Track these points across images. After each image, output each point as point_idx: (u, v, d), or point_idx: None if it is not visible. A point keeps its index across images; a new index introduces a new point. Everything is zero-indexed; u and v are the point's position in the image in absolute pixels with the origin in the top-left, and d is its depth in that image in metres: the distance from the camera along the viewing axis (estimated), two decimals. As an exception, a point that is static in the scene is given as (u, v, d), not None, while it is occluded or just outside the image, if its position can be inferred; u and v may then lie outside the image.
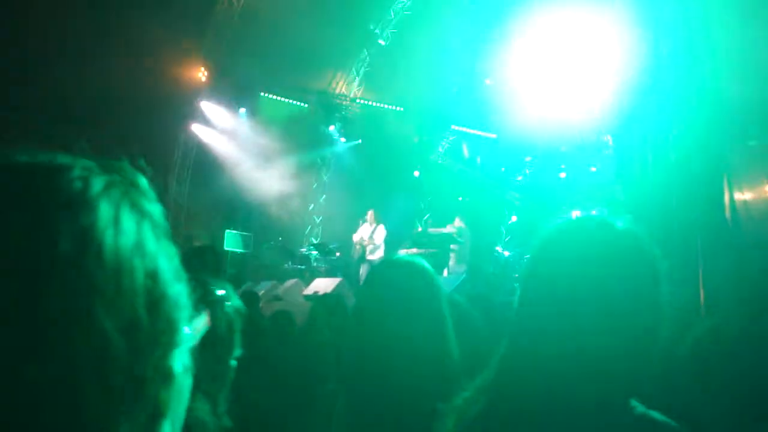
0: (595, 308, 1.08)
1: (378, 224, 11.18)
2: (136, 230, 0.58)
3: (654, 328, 1.11)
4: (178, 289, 0.61)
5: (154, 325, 0.57)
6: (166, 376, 0.59)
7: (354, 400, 1.64)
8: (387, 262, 2.17)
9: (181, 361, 0.61)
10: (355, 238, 11.32)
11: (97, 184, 0.58)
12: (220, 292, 1.78)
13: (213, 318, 1.56)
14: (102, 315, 0.53)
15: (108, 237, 0.55)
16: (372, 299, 1.77)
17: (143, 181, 0.63)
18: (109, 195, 0.57)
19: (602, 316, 1.07)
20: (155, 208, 0.62)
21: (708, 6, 6.32)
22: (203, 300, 1.62)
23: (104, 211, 0.56)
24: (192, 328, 0.63)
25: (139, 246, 0.58)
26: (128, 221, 0.58)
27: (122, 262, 0.55)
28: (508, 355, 1.17)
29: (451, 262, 10.89)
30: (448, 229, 11.22)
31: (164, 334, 0.59)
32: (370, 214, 11.30)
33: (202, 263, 4.08)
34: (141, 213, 0.59)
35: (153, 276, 0.58)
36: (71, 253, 0.52)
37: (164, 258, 0.60)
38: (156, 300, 0.58)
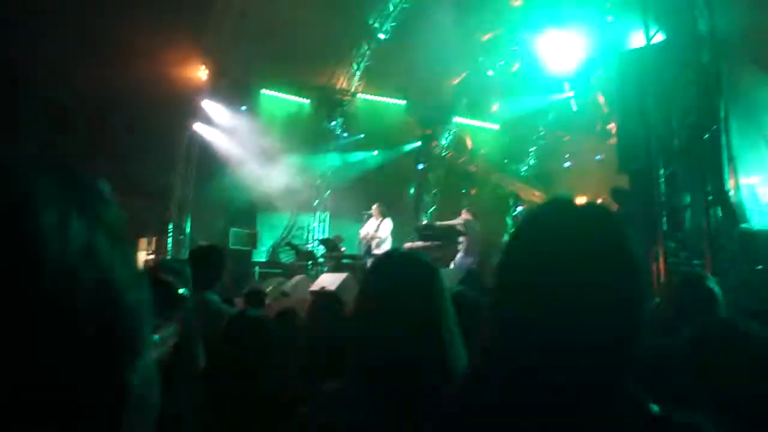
0: (574, 289, 1.05)
1: (383, 218, 11.13)
2: (86, 236, 0.54)
3: (635, 306, 1.08)
4: (135, 297, 0.57)
5: (105, 337, 0.53)
6: (122, 392, 0.54)
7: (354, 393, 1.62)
8: (384, 255, 2.14)
9: (141, 374, 0.57)
10: (362, 232, 11.29)
11: (42, 185, 0.53)
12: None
13: (182, 327, 1.51)
14: (43, 328, 0.49)
15: (52, 244, 0.51)
16: (368, 293, 1.76)
17: (99, 184, 0.59)
18: (55, 198, 0.53)
19: (581, 296, 1.04)
20: (111, 213, 0.58)
21: None
22: (170, 306, 1.57)
23: (48, 215, 0.51)
24: (160, 338, 0.59)
25: (89, 253, 0.53)
26: (77, 227, 0.53)
27: (67, 270, 0.51)
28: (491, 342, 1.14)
29: (458, 255, 10.84)
30: (455, 221, 11.17)
31: (117, 346, 0.54)
32: (374, 208, 11.25)
33: (207, 263, 4.06)
34: (94, 218, 0.55)
35: (105, 284, 0.54)
36: (7, 261, 0.48)
37: (120, 265, 0.56)
38: (107, 310, 0.54)
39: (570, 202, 1.21)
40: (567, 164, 16.41)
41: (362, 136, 15.14)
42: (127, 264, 0.57)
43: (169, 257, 13.68)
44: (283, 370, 2.84)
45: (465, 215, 11.26)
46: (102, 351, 0.52)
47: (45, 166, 0.55)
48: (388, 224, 11.06)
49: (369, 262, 10.84)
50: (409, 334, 1.57)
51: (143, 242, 14.39)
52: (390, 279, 1.72)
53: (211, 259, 4.10)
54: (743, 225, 6.94)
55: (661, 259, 7.03)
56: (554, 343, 1.02)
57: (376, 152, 15.56)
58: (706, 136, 6.40)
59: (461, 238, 10.83)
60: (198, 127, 13.84)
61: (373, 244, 10.96)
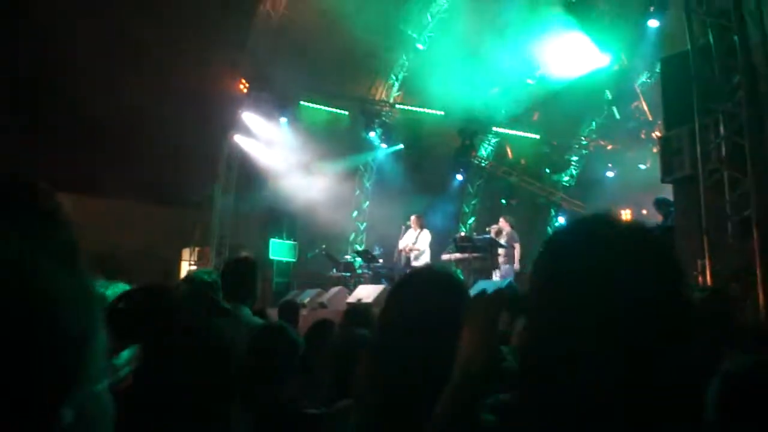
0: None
1: (422, 230, 11.07)
2: (22, 256, 0.50)
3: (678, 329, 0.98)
4: (79, 322, 0.52)
5: (27, 372, 0.48)
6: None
7: (363, 413, 1.56)
8: (413, 272, 2.08)
9: (80, 406, 0.51)
10: (400, 244, 11.25)
11: None
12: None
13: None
14: None
15: None
16: (392, 309, 1.70)
17: (47, 204, 0.56)
18: None
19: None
20: (58, 232, 0.54)
21: None
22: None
23: None
24: (118, 362, 0.55)
25: (22, 276, 0.49)
26: (12, 245, 0.50)
27: None
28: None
29: (499, 267, 10.71)
30: (493, 231, 11.05)
31: (42, 383, 0.49)
32: (413, 219, 11.20)
33: (239, 276, 4.05)
34: (34, 236, 0.51)
35: (38, 310, 0.50)
36: None
37: (64, 289, 0.52)
38: (37, 339, 0.49)
39: (605, 219, 1.11)
40: (610, 173, 16.06)
41: (401, 146, 15.13)
42: (74, 288, 0.53)
43: (211, 268, 13.91)
44: (306, 382, 2.80)
45: (504, 224, 11.12)
46: (20, 389, 0.48)
47: None
48: (426, 236, 11.00)
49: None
50: (427, 352, 1.51)
51: (186, 252, 14.67)
52: (413, 297, 1.67)
53: (243, 272, 4.08)
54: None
55: (707, 273, 6.76)
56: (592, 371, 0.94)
57: (414, 162, 15.49)
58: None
59: (501, 250, 10.69)
60: (238, 139, 14.06)
61: (412, 256, 10.92)
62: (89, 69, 10.54)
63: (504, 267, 10.73)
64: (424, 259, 10.78)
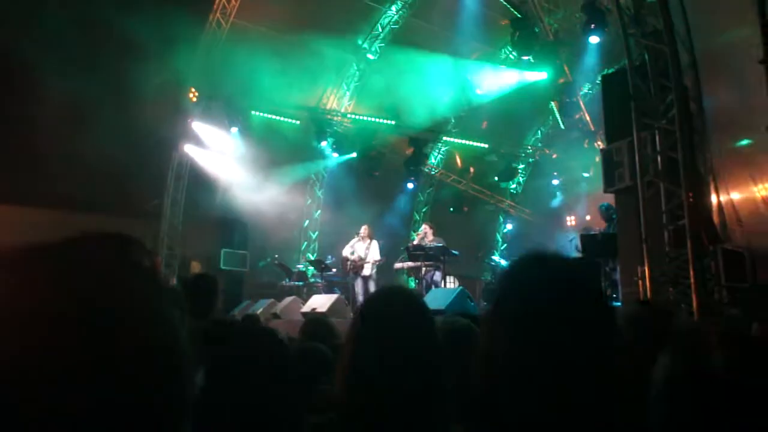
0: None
1: (371, 240, 11.22)
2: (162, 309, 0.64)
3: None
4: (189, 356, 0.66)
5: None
6: None
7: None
8: (376, 294, 2.20)
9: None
10: (345, 252, 11.33)
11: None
12: None
13: None
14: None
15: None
16: (364, 334, 1.81)
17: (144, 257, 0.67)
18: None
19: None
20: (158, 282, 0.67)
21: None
22: None
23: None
24: None
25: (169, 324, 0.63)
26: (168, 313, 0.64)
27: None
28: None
29: (436, 273, 10.92)
30: (418, 237, 11.32)
31: (177, 407, 0.63)
32: (364, 229, 11.33)
33: (199, 293, 4.11)
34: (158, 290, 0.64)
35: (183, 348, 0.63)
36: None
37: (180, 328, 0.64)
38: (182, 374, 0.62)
39: (535, 261, 1.28)
40: (555, 181, 16.58)
41: (354, 155, 15.22)
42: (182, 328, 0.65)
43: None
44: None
45: (426, 229, 11.33)
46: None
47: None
48: (376, 247, 11.17)
49: (357, 284, 10.99)
50: (400, 372, 1.63)
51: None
52: (381, 318, 1.78)
53: (204, 289, 4.16)
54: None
55: (647, 278, 7.13)
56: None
57: (366, 171, 15.61)
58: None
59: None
60: (188, 148, 13.90)
61: (365, 266, 11.05)
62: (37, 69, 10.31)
63: (437, 275, 10.88)
64: (370, 270, 10.99)
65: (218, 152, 13.99)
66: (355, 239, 11.34)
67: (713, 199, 7.42)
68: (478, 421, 1.20)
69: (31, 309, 0.55)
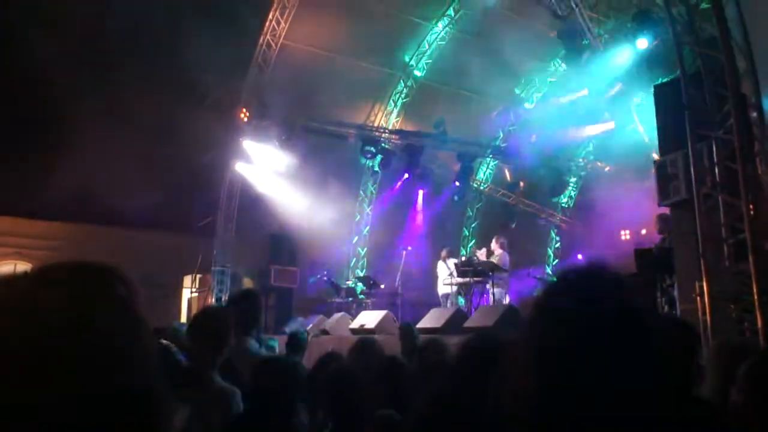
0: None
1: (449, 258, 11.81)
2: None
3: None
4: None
5: None
6: None
7: None
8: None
9: None
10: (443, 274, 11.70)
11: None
12: None
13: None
14: None
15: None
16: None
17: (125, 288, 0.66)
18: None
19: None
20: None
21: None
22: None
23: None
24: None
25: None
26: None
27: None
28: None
29: (496, 290, 10.71)
30: (481, 255, 11.16)
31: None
32: (445, 252, 11.96)
33: (244, 309, 4.16)
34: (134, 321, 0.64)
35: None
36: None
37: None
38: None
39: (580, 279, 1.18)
40: (608, 194, 16.15)
41: (406, 175, 15.18)
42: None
43: (214, 296, 13.99)
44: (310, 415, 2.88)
45: (494, 246, 11.18)
46: None
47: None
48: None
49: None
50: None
51: (188, 279, 14.74)
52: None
53: (248, 304, 4.21)
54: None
55: (706, 295, 6.83)
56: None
57: (414, 187, 15.59)
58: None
59: (499, 273, 10.72)
60: (240, 166, 14.21)
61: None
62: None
63: (498, 291, 10.69)
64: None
65: (268, 170, 14.24)
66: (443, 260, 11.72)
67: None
68: None
69: None
